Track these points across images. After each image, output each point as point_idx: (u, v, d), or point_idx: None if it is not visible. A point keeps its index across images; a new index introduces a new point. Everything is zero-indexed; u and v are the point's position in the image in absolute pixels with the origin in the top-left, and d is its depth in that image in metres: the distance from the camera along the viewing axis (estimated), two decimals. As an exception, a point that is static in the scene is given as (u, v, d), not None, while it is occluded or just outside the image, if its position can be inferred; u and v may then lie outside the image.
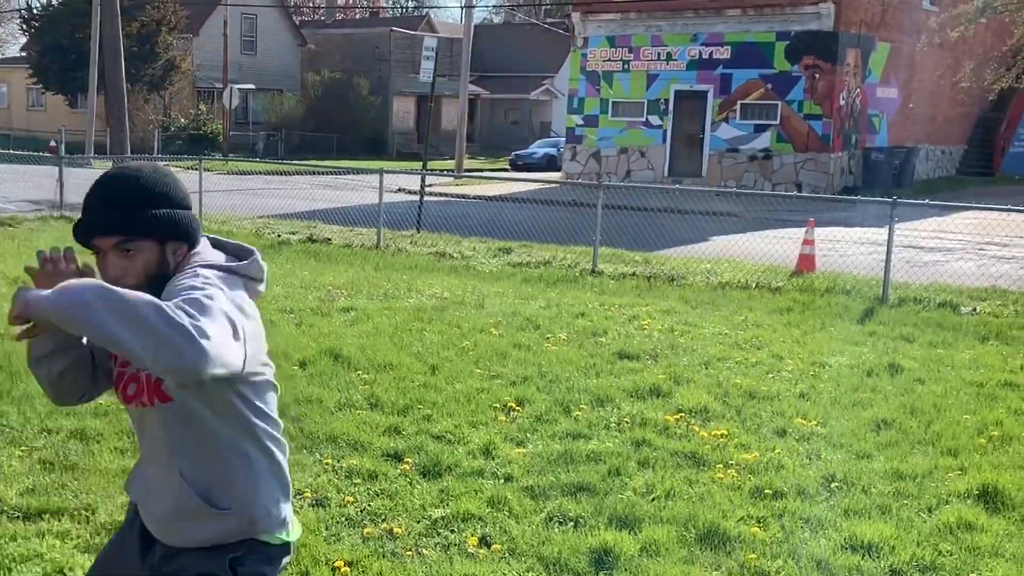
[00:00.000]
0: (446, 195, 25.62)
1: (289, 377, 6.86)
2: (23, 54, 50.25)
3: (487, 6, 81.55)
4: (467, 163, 36.60)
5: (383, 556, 4.39)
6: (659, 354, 8.21)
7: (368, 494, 5.04)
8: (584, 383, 7.20)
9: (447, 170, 33.72)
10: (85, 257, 2.28)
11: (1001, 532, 4.78)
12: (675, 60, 29.58)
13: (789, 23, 27.82)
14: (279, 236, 15.80)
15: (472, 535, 4.60)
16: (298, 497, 4.98)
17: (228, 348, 2.07)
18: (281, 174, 29.28)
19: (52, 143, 32.14)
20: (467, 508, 4.83)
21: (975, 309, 10.68)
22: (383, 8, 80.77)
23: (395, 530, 4.63)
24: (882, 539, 4.61)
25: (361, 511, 4.85)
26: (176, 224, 2.33)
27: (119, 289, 2.03)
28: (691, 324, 9.58)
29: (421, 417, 6.30)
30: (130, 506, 2.61)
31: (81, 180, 24.03)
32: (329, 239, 15.40)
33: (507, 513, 4.85)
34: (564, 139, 33.72)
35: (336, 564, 4.27)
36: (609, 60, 30.68)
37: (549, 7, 62.75)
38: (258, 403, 2.41)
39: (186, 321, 1.99)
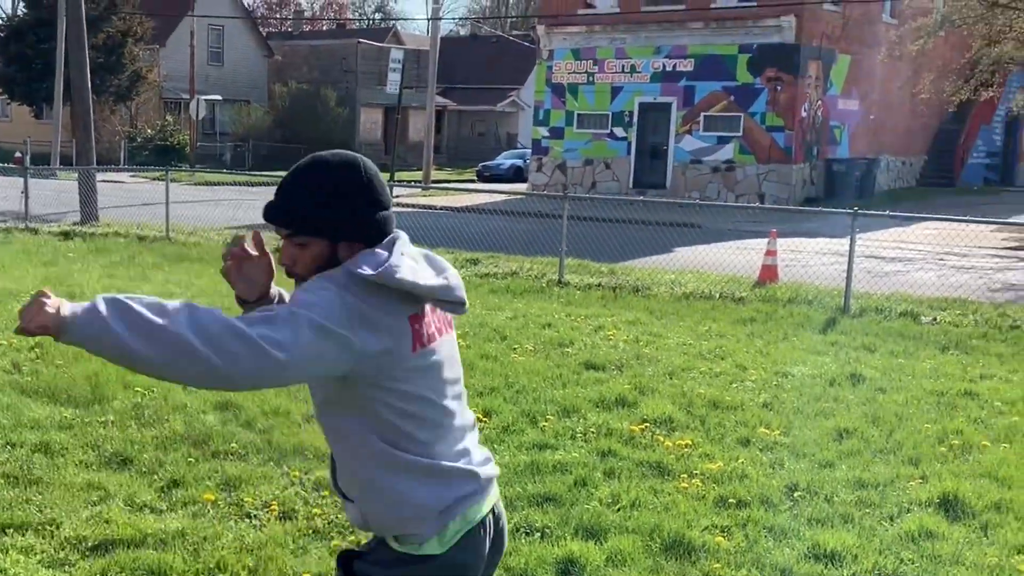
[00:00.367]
0: (413, 206, 25.59)
1: (255, 390, 6.82)
2: (-12, 65, 49.67)
3: (453, 19, 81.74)
4: (434, 174, 36.59)
5: (350, 568, 4.38)
6: (625, 364, 8.26)
7: (335, 507, 5.04)
8: (551, 394, 7.22)
9: (414, 181, 33.67)
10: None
11: (961, 540, 4.85)
12: (639, 72, 29.80)
13: (751, 36, 28.12)
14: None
15: (439, 547, 4.60)
16: (264, 510, 4.98)
17: (250, 362, 2.07)
18: (249, 185, 29.12)
19: (17, 154, 31.81)
20: (434, 520, 4.83)
21: (935, 319, 10.81)
22: (350, 20, 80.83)
23: (362, 543, 4.62)
24: (845, 548, 4.67)
25: (328, 523, 4.85)
26: (347, 225, 2.29)
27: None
28: (656, 334, 9.65)
29: (388, 429, 6.28)
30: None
31: (46, 191, 23.54)
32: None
33: (474, 524, 4.85)
34: (530, 151, 33.83)
35: (303, 577, 4.27)
36: (574, 72, 30.85)
37: (515, 20, 63.00)
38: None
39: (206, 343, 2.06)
